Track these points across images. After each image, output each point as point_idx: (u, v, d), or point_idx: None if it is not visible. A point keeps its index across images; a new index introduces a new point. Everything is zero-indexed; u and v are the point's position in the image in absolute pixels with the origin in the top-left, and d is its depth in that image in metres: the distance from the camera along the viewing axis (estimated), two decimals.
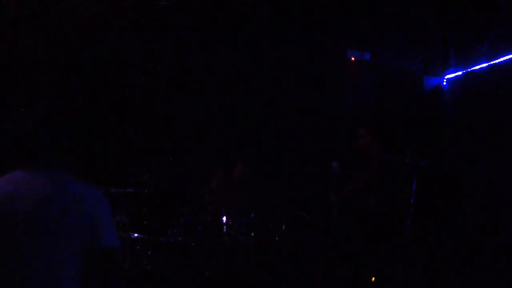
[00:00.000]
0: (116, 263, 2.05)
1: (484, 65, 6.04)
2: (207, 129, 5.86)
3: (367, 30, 6.24)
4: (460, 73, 6.51)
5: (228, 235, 4.44)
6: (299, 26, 5.99)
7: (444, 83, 6.73)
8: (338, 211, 4.64)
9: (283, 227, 4.55)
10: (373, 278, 4.24)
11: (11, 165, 2.09)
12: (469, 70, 6.32)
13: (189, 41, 5.87)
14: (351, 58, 6.50)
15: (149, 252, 4.35)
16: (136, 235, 4.31)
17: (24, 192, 1.94)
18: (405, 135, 6.07)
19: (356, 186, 4.50)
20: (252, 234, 4.47)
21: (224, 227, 4.46)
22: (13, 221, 1.90)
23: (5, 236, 1.89)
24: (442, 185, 6.14)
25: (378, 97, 6.54)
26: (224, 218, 4.49)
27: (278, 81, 6.18)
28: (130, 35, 5.53)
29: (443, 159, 6.34)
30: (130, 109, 5.72)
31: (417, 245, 4.73)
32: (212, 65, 6.00)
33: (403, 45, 6.51)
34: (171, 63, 5.85)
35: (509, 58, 5.68)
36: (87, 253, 1.95)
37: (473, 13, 5.95)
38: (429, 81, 6.77)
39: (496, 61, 5.84)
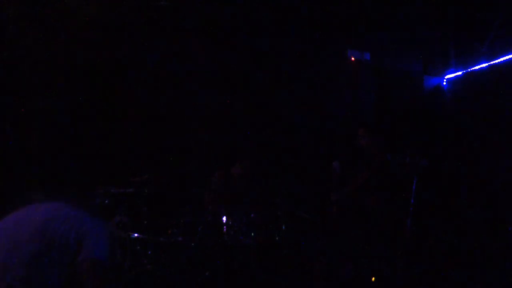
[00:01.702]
0: (103, 274, 2.38)
1: (484, 65, 6.04)
2: (207, 129, 5.86)
3: (367, 30, 6.24)
4: (460, 73, 6.51)
5: (228, 235, 4.44)
6: (299, 26, 5.99)
7: (444, 83, 6.73)
8: (338, 211, 4.64)
9: (283, 227, 4.55)
10: (373, 278, 4.24)
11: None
12: (469, 70, 6.33)
13: (189, 41, 5.87)
14: (351, 58, 6.50)
15: (149, 252, 4.35)
16: (136, 235, 4.30)
17: (26, 219, 2.43)
18: (405, 135, 6.07)
19: (357, 186, 4.50)
20: (252, 234, 4.46)
21: (224, 227, 4.46)
22: (19, 239, 2.36)
23: (13, 250, 2.34)
24: (442, 185, 6.14)
25: (378, 97, 6.55)
26: (224, 218, 4.48)
27: (278, 81, 6.18)
28: (130, 35, 5.53)
29: (443, 159, 6.34)
30: (130, 109, 5.72)
31: (417, 245, 4.73)
32: (212, 65, 6.00)
33: (403, 45, 6.51)
34: (171, 63, 5.85)
35: (509, 58, 5.68)
36: (74, 263, 2.33)
37: (473, 13, 5.95)
38: (429, 81, 6.78)
39: (496, 61, 5.85)
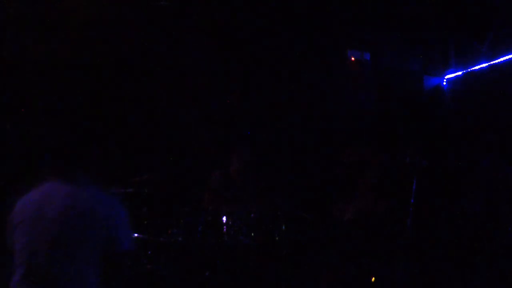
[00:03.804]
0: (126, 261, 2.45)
1: (484, 65, 6.04)
2: (207, 129, 5.86)
3: (367, 30, 6.24)
4: (460, 73, 6.51)
5: (228, 235, 4.44)
6: (299, 26, 5.99)
7: (444, 83, 6.74)
8: (338, 211, 4.64)
9: (283, 227, 4.55)
10: (373, 278, 4.24)
11: (41, 176, 2.44)
12: (469, 70, 6.33)
13: (189, 41, 5.87)
14: (351, 58, 6.50)
15: (149, 252, 4.34)
16: (136, 235, 4.30)
17: (50, 201, 2.30)
18: (405, 135, 6.07)
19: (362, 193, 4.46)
20: (252, 234, 4.46)
21: (224, 227, 4.46)
22: (41, 225, 2.26)
23: (35, 237, 2.26)
24: (442, 185, 6.14)
25: (378, 97, 6.55)
26: (224, 218, 4.48)
27: (278, 81, 6.18)
28: (130, 35, 5.52)
29: (443, 159, 6.34)
30: (130, 109, 5.72)
31: (417, 245, 4.73)
32: (212, 65, 6.00)
33: (403, 45, 6.51)
34: (171, 63, 5.85)
35: (509, 58, 5.68)
36: (104, 254, 2.27)
37: (473, 13, 5.95)
38: (429, 81, 6.78)
39: (496, 61, 5.85)
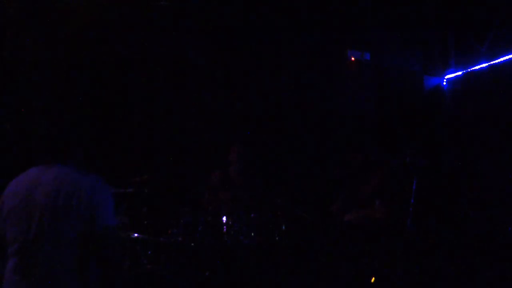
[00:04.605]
0: (113, 244, 2.40)
1: (484, 65, 6.04)
2: (206, 129, 5.86)
3: (367, 30, 6.24)
4: (460, 73, 6.51)
5: (228, 235, 4.44)
6: (299, 26, 5.99)
7: (444, 83, 6.73)
8: (338, 212, 4.64)
9: (283, 227, 4.55)
10: (373, 278, 4.24)
11: (30, 161, 2.50)
12: (469, 70, 6.33)
13: (189, 41, 5.87)
14: (351, 58, 6.50)
15: (149, 252, 4.35)
16: (136, 235, 4.30)
17: (38, 185, 2.33)
18: (405, 135, 6.07)
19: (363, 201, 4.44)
20: (252, 234, 4.46)
21: (224, 227, 4.46)
22: (30, 209, 2.29)
23: (25, 226, 2.28)
24: (442, 185, 6.14)
25: (378, 97, 6.55)
26: (224, 218, 4.48)
27: (279, 81, 6.18)
28: (130, 35, 5.52)
29: (443, 159, 6.34)
30: (130, 109, 5.72)
31: (417, 245, 4.73)
32: (212, 65, 6.00)
33: (403, 45, 6.51)
34: (171, 63, 5.85)
35: (509, 58, 5.68)
36: (87, 233, 2.29)
37: (473, 13, 5.95)
38: (429, 81, 6.77)
39: (496, 61, 5.85)
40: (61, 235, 2.26)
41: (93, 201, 2.32)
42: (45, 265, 2.23)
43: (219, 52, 5.96)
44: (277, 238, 4.50)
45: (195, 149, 5.81)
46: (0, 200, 2.41)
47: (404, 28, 6.22)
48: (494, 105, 5.71)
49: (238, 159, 5.10)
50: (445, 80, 6.72)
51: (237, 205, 4.78)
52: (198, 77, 5.97)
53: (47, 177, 2.35)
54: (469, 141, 6.06)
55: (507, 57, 5.70)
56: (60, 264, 2.24)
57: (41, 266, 2.23)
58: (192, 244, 4.35)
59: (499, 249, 5.06)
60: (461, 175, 6.09)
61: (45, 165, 2.42)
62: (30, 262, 2.25)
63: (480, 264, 4.99)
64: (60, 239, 2.26)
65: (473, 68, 6.23)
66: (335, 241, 4.53)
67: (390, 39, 6.40)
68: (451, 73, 6.63)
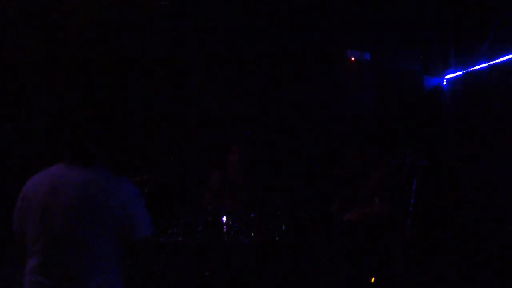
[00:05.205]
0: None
1: (484, 65, 6.03)
2: (206, 129, 5.86)
3: (367, 30, 6.24)
4: (460, 73, 6.50)
5: (228, 235, 4.44)
6: (299, 26, 5.99)
7: (444, 83, 6.73)
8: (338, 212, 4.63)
9: (283, 227, 4.55)
10: (373, 278, 4.24)
11: (53, 159, 2.39)
12: (469, 70, 6.32)
13: (189, 41, 5.87)
14: (351, 58, 6.50)
15: (149, 252, 4.35)
16: None
17: (63, 186, 2.23)
18: (405, 135, 6.07)
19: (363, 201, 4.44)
20: (252, 234, 4.46)
21: (224, 227, 4.46)
22: (56, 213, 2.19)
23: (50, 226, 2.19)
24: (442, 185, 6.14)
25: (378, 97, 6.54)
26: (224, 218, 4.48)
27: (278, 81, 6.18)
28: (130, 35, 5.52)
29: (443, 159, 6.34)
30: (130, 109, 5.72)
31: (417, 245, 4.73)
32: (212, 65, 6.00)
33: (403, 45, 6.51)
34: (171, 63, 5.85)
35: (509, 58, 5.67)
36: (124, 240, 2.26)
37: (473, 13, 5.95)
38: (429, 81, 6.77)
39: (496, 61, 5.84)
40: (90, 236, 2.19)
41: (128, 210, 2.25)
42: (71, 266, 2.18)
43: (219, 52, 5.96)
44: (277, 238, 4.50)
45: (195, 149, 5.81)
46: (20, 197, 2.33)
47: (404, 28, 6.22)
48: (494, 105, 5.71)
49: (238, 159, 5.10)
50: (445, 80, 6.72)
51: (237, 205, 4.78)
52: (198, 77, 5.97)
53: (73, 176, 2.26)
54: (469, 141, 6.05)
55: (507, 57, 5.69)
56: (86, 265, 2.19)
57: (66, 267, 2.18)
58: (192, 244, 4.35)
59: (499, 249, 5.06)
60: (461, 175, 6.09)
61: (67, 164, 2.32)
62: (55, 262, 2.19)
63: (480, 264, 4.99)
64: (87, 240, 2.19)
65: (473, 68, 6.22)
66: (335, 241, 4.54)
67: (390, 39, 6.39)
68: (451, 73, 6.63)
